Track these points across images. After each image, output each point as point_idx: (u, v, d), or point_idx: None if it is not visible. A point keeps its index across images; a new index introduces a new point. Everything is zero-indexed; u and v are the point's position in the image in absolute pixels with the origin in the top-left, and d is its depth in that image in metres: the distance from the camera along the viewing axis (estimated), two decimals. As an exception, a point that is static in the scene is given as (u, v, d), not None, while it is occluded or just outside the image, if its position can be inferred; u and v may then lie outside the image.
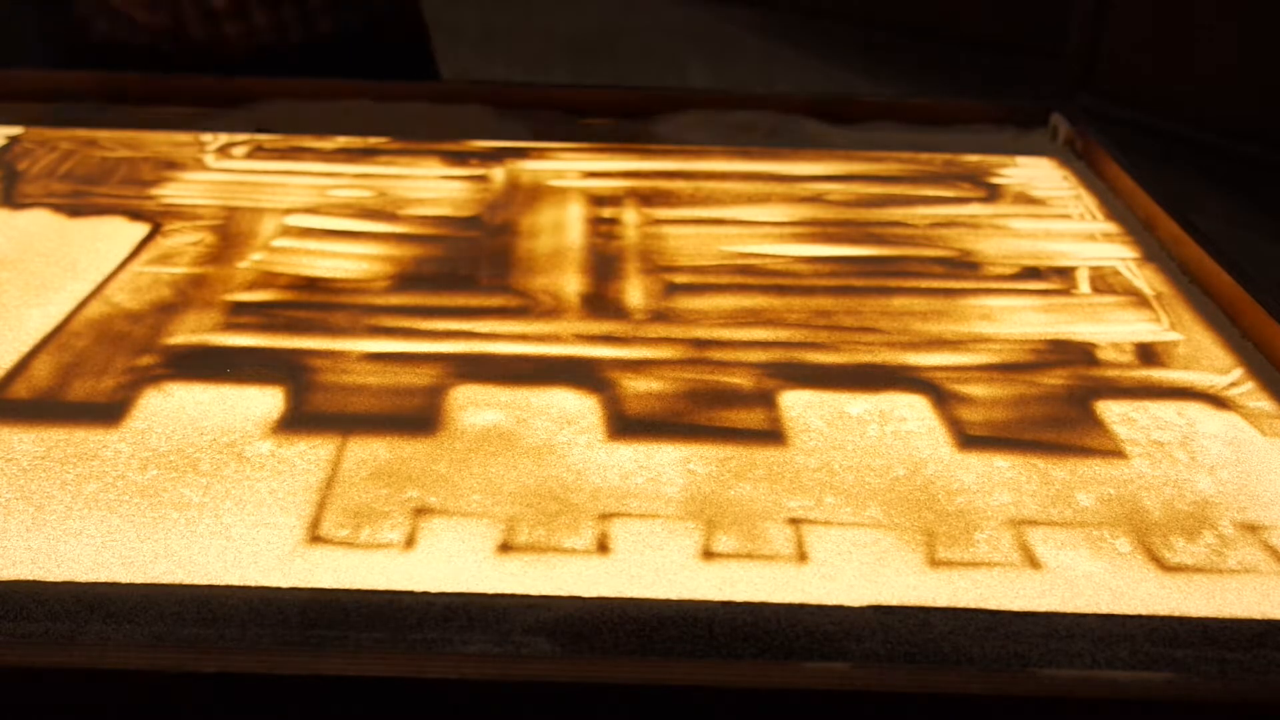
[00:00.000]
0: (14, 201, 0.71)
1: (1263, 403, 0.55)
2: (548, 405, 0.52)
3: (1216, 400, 0.55)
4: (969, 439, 0.51)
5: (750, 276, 0.65)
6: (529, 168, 0.80)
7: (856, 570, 0.43)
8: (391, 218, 0.71)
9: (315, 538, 0.44)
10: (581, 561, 0.43)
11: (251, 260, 0.65)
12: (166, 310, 0.60)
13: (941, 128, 0.89)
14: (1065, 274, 0.67)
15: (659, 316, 0.61)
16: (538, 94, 0.91)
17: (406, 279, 0.64)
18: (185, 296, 0.61)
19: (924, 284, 0.65)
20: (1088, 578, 0.43)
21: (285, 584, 0.41)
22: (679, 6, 3.05)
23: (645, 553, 0.44)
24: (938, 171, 0.81)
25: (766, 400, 0.53)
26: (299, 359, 0.55)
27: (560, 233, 0.70)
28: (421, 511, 0.45)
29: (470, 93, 0.90)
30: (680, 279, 0.65)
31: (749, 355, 0.57)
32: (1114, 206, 0.76)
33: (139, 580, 0.41)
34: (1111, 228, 0.73)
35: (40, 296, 0.60)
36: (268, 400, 0.52)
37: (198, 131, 0.83)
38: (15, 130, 0.82)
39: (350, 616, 0.40)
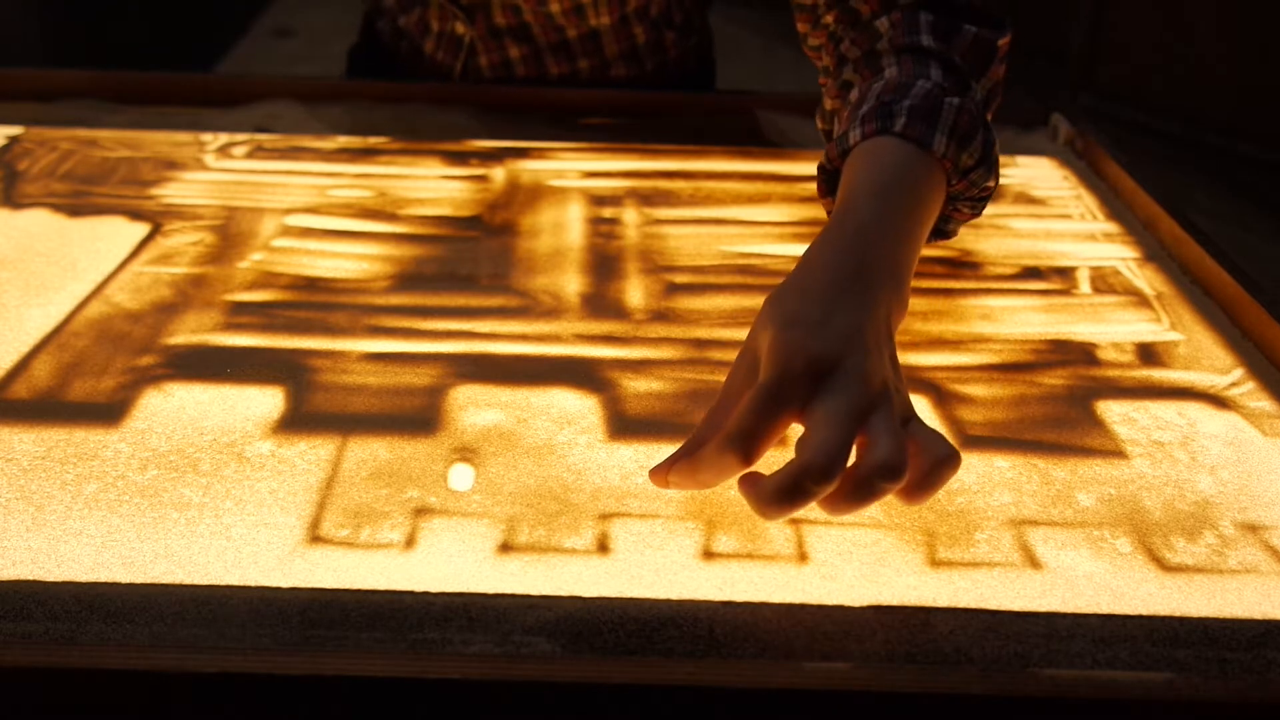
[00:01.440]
0: (14, 201, 0.71)
1: (1263, 403, 0.55)
2: (548, 405, 0.52)
3: (1217, 400, 0.55)
4: (969, 439, 0.51)
5: (750, 276, 0.65)
6: (529, 168, 0.79)
7: (856, 570, 0.43)
8: (391, 218, 0.71)
9: (315, 538, 0.44)
10: (581, 561, 0.43)
11: (251, 260, 0.65)
12: (166, 310, 0.60)
13: (941, 128, 0.89)
14: (1065, 274, 0.67)
15: (659, 316, 0.61)
16: (538, 94, 0.91)
17: (406, 279, 0.64)
18: (185, 296, 0.61)
19: (924, 284, 0.65)
20: (1088, 578, 0.43)
21: (285, 584, 0.41)
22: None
23: (645, 553, 0.44)
24: (938, 171, 0.81)
25: (766, 400, 0.53)
26: (299, 359, 0.55)
27: (560, 233, 0.70)
28: (421, 511, 0.45)
29: (469, 93, 0.90)
30: (680, 279, 0.65)
31: (749, 355, 0.57)
32: (1114, 206, 0.76)
33: (139, 580, 0.41)
34: (1111, 228, 0.73)
35: (40, 296, 0.60)
36: (268, 400, 0.52)
37: (198, 131, 0.83)
38: (15, 130, 0.82)
39: (350, 616, 0.40)
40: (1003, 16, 0.60)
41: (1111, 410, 0.54)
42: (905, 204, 0.51)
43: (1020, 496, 0.47)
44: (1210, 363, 0.58)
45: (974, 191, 0.55)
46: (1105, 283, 0.66)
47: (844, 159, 0.54)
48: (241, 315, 0.59)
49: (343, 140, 0.82)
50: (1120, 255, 0.69)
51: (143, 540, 0.43)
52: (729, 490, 0.47)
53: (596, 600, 0.41)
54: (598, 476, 0.48)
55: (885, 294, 0.46)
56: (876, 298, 0.46)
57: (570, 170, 0.79)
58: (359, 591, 0.41)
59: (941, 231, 0.58)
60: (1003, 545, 0.45)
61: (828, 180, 0.57)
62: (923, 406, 0.53)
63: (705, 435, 0.45)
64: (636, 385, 0.54)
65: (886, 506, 0.46)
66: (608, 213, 0.73)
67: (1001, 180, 0.80)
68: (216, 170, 0.77)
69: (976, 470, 0.49)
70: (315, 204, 0.73)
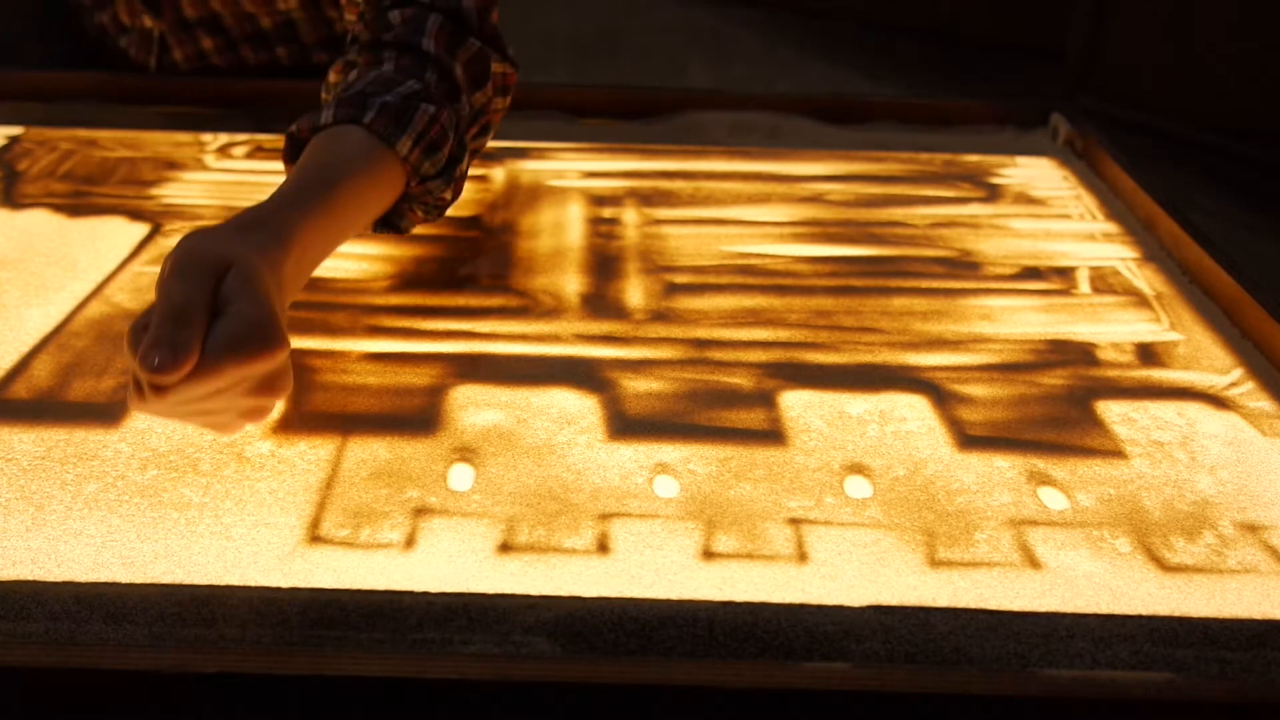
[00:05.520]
0: (14, 201, 0.71)
1: (1263, 403, 0.55)
2: (548, 405, 0.52)
3: (1216, 400, 0.55)
4: (969, 439, 0.51)
5: (750, 276, 0.65)
6: (529, 168, 0.80)
7: (856, 570, 0.43)
8: (391, 218, 0.71)
9: (315, 538, 0.44)
10: (581, 561, 0.43)
11: (251, 260, 0.65)
12: (166, 310, 0.60)
13: (941, 128, 0.89)
14: (1065, 274, 0.67)
15: (659, 316, 0.61)
16: (538, 94, 0.91)
17: (406, 279, 0.64)
18: (185, 296, 0.61)
19: (924, 284, 0.65)
20: (1088, 578, 0.43)
21: (285, 584, 0.41)
22: (679, 6, 3.05)
23: (645, 553, 0.44)
24: (938, 171, 0.81)
25: (766, 400, 0.53)
26: (299, 359, 0.55)
27: (560, 233, 0.70)
28: (421, 511, 0.45)
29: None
30: (680, 279, 0.65)
31: (749, 355, 0.57)
32: (1114, 206, 0.76)
33: (139, 580, 0.41)
34: (1111, 228, 0.73)
35: (40, 296, 0.60)
36: (268, 400, 0.52)
37: (198, 131, 0.83)
38: (15, 130, 0.82)
39: (350, 616, 0.40)
40: (512, 55, 0.63)
41: (1111, 410, 0.54)
42: (342, 187, 0.52)
43: (1020, 496, 0.47)
44: (1210, 363, 0.58)
45: (429, 199, 0.58)
46: (1105, 283, 0.66)
47: (313, 134, 0.55)
48: (241, 315, 0.59)
49: (343, 140, 0.82)
50: (1120, 255, 0.69)
51: (143, 540, 0.43)
52: (729, 490, 0.47)
53: (596, 600, 0.41)
54: (598, 476, 0.48)
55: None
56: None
57: (570, 170, 0.79)
58: (359, 591, 0.41)
59: (393, 225, 0.59)
60: (1002, 545, 0.45)
61: (294, 148, 0.57)
62: (923, 406, 0.53)
63: None
64: (636, 385, 0.54)
65: (886, 506, 0.46)
66: (608, 213, 0.73)
67: (1002, 180, 0.80)
68: (216, 170, 0.77)
69: (976, 470, 0.49)
70: (315, 204, 0.73)
